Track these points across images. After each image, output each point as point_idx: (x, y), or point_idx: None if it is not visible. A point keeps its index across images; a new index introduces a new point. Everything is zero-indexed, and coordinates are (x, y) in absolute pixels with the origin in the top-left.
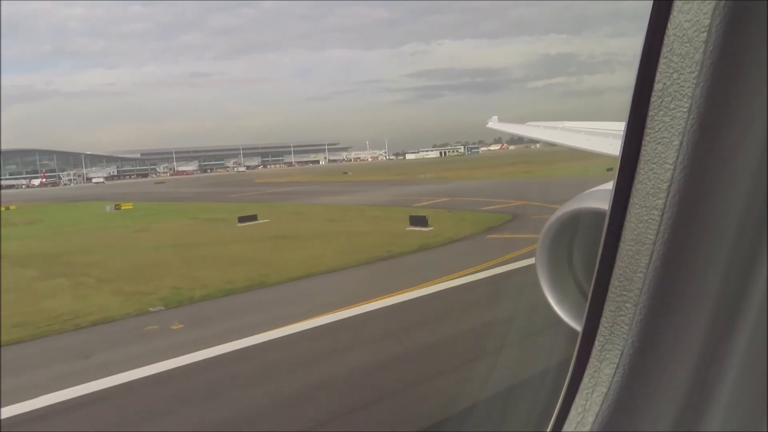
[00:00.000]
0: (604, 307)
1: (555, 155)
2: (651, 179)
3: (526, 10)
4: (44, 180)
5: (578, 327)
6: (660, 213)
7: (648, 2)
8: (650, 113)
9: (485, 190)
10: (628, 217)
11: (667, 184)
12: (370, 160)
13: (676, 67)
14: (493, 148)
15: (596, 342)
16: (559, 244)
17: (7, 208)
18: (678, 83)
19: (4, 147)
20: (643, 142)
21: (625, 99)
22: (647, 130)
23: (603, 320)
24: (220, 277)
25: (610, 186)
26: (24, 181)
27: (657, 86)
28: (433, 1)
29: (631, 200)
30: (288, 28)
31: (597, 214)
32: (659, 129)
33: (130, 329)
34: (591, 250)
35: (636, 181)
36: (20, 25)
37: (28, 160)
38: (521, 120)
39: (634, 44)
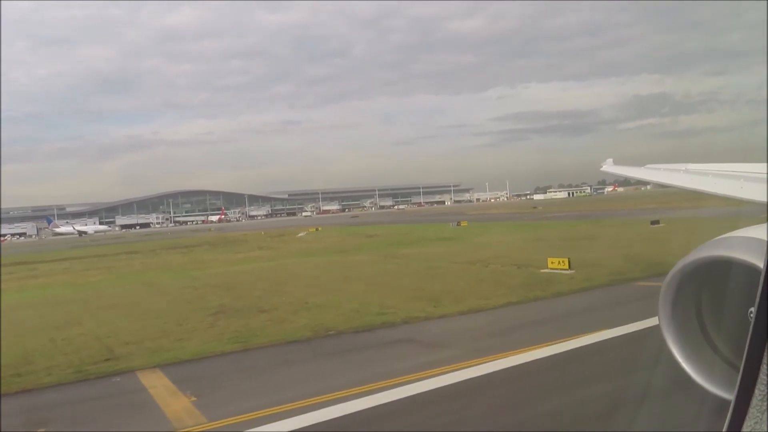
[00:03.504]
0: None
1: (685, 195)
2: None
3: (615, 51)
4: (222, 216)
5: (712, 388)
6: None
7: (749, 38)
8: None
9: None
10: None
11: None
12: (492, 201)
13: None
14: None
15: (767, 349)
16: (683, 298)
17: (317, 229)
18: None
19: (166, 191)
20: None
21: (727, 139)
22: None
23: None
24: None
25: (733, 234)
26: (202, 218)
27: None
28: (519, 46)
29: None
30: (375, 76)
31: (724, 262)
32: None
33: None
34: (721, 299)
35: None
36: (134, 82)
37: (198, 200)
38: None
39: (734, 82)
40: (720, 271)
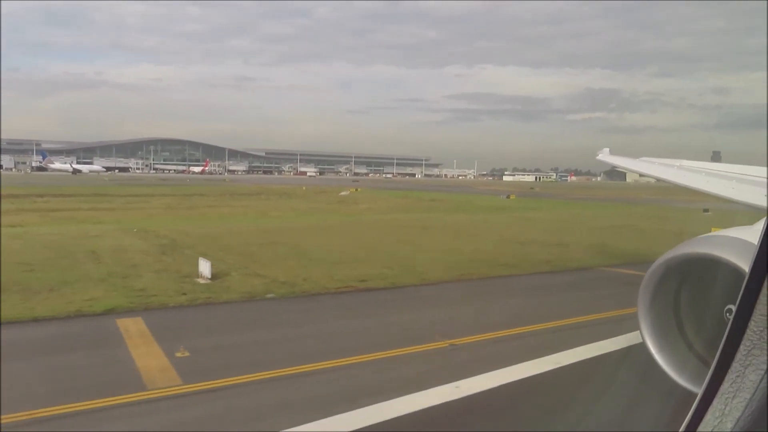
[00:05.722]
0: (755, 309)
1: (666, 189)
2: None
3: (573, 43)
4: (206, 169)
5: (682, 382)
6: None
7: (698, 45)
8: None
9: None
10: None
11: None
12: (460, 178)
13: None
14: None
15: (741, 346)
16: (663, 290)
17: (356, 190)
18: None
19: (144, 136)
20: None
21: (668, 139)
22: None
23: (752, 324)
24: None
25: (719, 233)
26: (182, 167)
27: None
28: (481, 27)
29: None
30: (337, 41)
31: (708, 260)
32: None
33: None
34: (699, 295)
35: None
36: (80, 16)
37: (176, 149)
38: (559, 152)
39: (679, 86)
40: (701, 267)
